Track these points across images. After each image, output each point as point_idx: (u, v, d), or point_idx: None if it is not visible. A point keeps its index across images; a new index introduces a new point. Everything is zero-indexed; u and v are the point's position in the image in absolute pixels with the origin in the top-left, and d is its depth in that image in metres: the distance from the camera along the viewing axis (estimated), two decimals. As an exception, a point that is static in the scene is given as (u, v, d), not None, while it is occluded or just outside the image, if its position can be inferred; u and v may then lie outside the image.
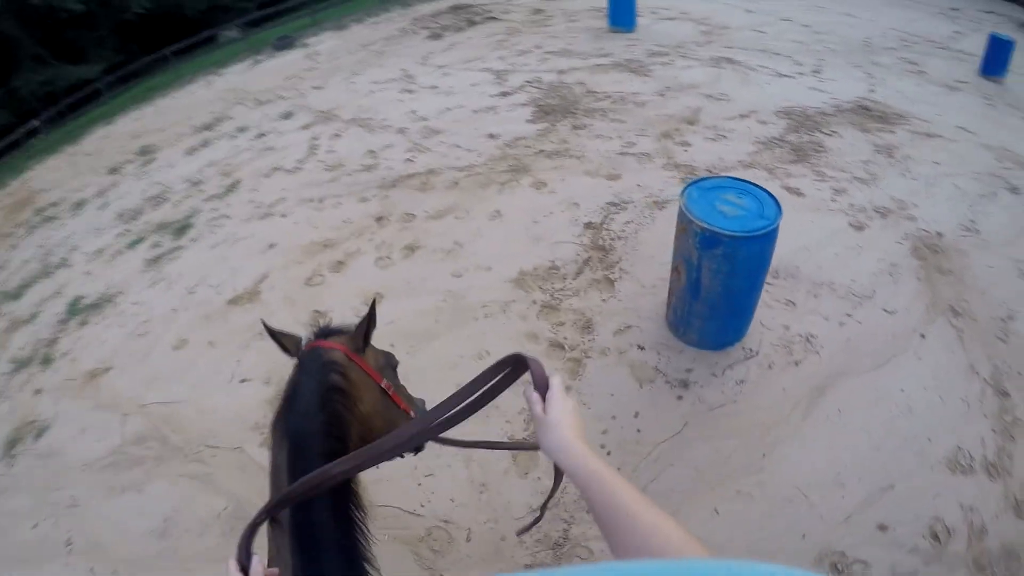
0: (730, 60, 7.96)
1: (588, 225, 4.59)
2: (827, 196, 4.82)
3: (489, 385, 0.88)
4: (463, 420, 0.90)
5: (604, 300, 3.89)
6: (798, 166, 5.28)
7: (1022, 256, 4.15)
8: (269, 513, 0.85)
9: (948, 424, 3.02)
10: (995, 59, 8.22)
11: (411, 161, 6.07)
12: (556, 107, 6.85)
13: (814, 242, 4.25)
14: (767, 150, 5.53)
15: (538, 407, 0.85)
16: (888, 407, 3.12)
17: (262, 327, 1.28)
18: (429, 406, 1.23)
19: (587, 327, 3.70)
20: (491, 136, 6.34)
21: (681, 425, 3.13)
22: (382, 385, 1.15)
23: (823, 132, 5.87)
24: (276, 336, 1.19)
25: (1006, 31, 8.71)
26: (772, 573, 0.36)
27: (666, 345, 3.57)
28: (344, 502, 0.93)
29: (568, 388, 3.20)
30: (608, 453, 3.01)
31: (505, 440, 3.01)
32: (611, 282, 4.01)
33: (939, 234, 4.34)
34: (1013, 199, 4.89)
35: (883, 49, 8.74)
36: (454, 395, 0.87)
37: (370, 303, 1.19)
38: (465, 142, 6.29)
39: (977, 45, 8.43)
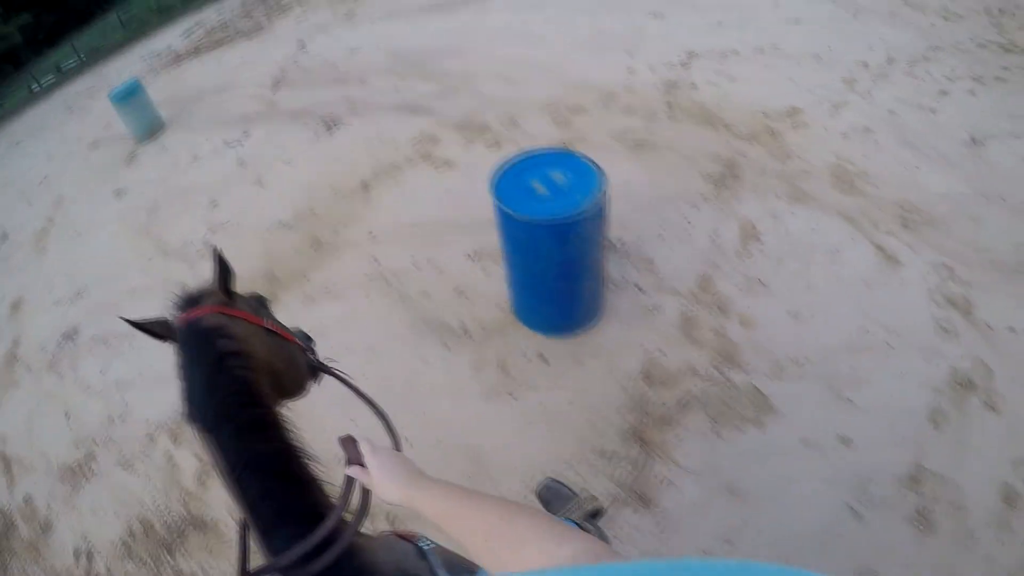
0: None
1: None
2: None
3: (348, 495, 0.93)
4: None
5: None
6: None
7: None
8: None
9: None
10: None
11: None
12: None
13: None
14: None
15: (364, 476, 0.93)
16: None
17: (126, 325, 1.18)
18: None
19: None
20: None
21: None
22: (266, 326, 1.16)
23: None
24: (144, 328, 1.13)
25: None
26: (772, 573, 0.36)
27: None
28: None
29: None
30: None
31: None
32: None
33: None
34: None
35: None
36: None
37: (214, 255, 1.16)
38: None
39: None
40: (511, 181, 2.75)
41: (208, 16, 12.16)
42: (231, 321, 1.06)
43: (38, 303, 5.85)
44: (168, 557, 3.29)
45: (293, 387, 1.18)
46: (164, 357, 3.68)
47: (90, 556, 3.57)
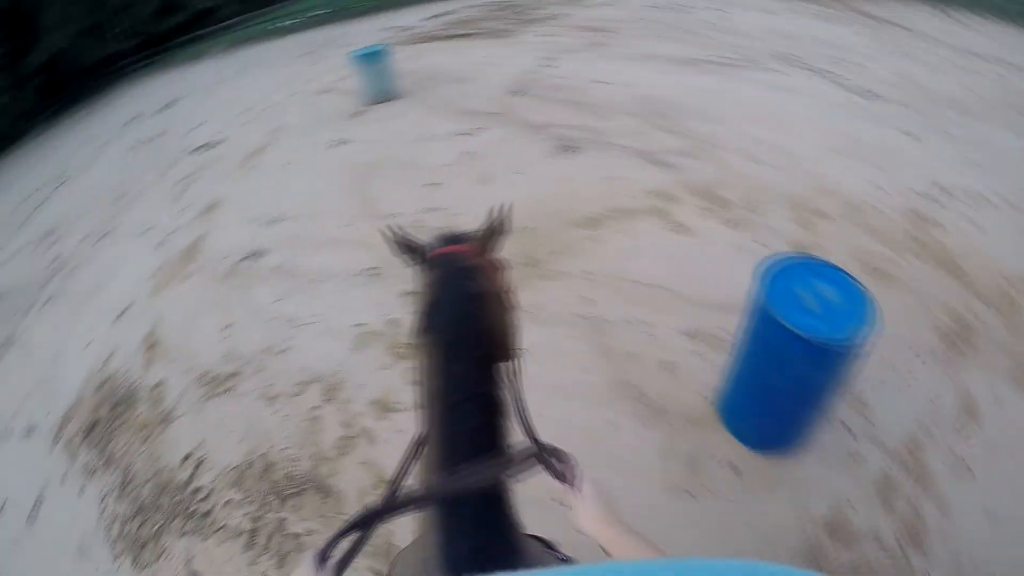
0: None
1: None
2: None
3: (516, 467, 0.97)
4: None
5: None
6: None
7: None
8: (352, 528, 0.92)
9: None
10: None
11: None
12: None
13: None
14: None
15: (572, 498, 0.99)
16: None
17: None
18: None
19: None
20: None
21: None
22: (506, 290, 1.22)
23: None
24: (403, 243, 1.25)
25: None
26: (773, 573, 0.37)
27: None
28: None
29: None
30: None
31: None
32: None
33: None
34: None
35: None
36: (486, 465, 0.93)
37: (500, 210, 1.24)
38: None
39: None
40: (778, 281, 2.63)
41: (458, 6, 12.72)
42: (482, 270, 1.15)
43: (232, 214, 6.16)
44: (277, 505, 3.21)
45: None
46: (343, 311, 3.90)
47: (199, 465, 3.58)
